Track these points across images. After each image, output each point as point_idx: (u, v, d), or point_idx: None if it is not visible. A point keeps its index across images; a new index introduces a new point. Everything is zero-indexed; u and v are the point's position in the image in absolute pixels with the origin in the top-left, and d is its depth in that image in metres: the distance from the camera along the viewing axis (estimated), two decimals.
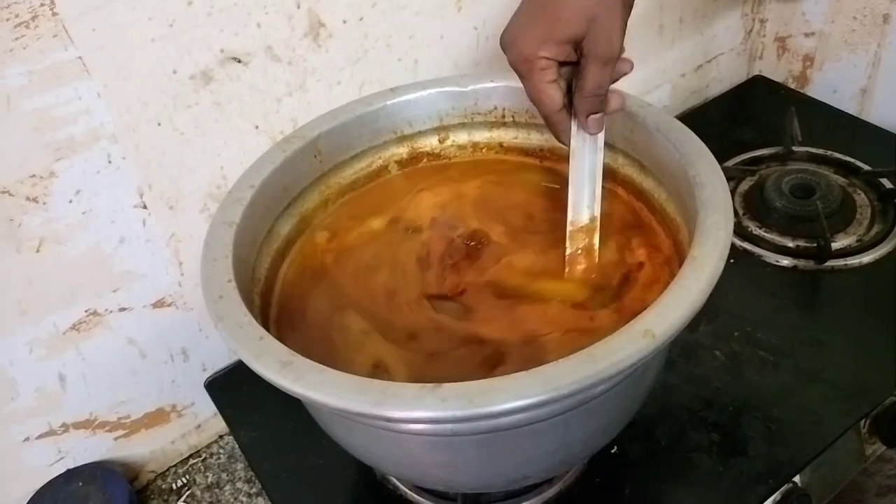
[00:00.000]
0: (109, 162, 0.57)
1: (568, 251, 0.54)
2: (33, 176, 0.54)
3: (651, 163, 0.56)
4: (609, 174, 0.59)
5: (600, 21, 0.45)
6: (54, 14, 0.50)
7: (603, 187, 0.54)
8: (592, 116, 0.49)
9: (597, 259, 0.54)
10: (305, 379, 0.41)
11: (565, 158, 0.60)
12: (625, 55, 0.49)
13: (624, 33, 0.47)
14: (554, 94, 0.48)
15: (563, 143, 0.52)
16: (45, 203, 0.55)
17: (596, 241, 0.54)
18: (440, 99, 0.61)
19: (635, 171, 0.58)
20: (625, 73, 0.50)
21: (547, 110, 0.49)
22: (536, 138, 0.62)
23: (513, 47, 0.48)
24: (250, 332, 0.44)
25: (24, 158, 0.53)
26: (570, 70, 0.49)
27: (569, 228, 0.54)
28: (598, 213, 0.54)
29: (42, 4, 0.49)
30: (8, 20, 0.48)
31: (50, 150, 0.54)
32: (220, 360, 0.72)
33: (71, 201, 0.57)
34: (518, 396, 0.38)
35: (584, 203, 0.54)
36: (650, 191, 0.57)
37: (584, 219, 0.54)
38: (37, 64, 0.51)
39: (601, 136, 0.52)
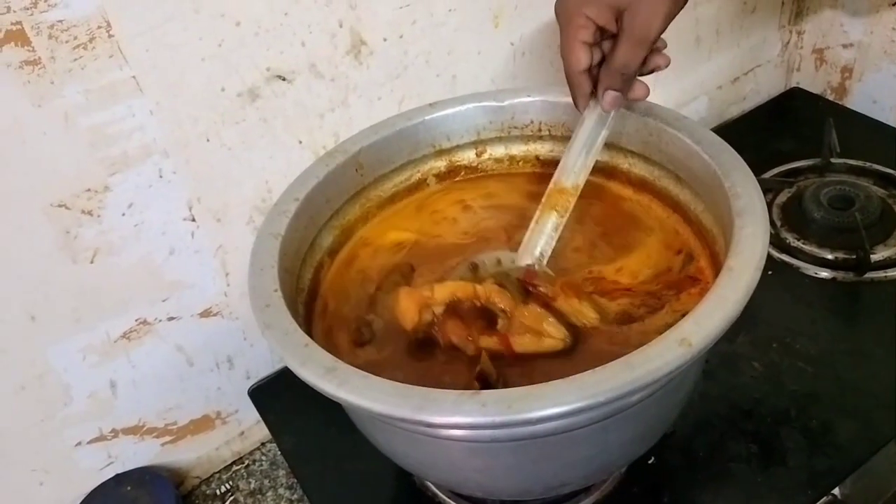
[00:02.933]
0: (161, 176, 0.59)
1: (538, 213, 0.56)
2: (88, 190, 0.57)
3: (687, 175, 0.56)
4: (646, 187, 0.61)
5: (644, 0, 0.47)
6: (110, 36, 0.52)
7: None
8: (611, 92, 0.51)
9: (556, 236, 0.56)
10: (349, 384, 0.42)
11: (602, 171, 0.62)
12: (665, 51, 0.50)
13: (665, 22, 0.48)
14: (581, 55, 0.50)
15: (577, 107, 0.54)
16: (99, 216, 0.58)
17: (569, 207, 0.56)
18: (478, 113, 0.63)
19: (671, 184, 0.58)
20: (658, 67, 0.52)
21: (571, 68, 0.51)
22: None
23: (565, 4, 0.50)
24: (296, 339, 0.45)
25: (80, 173, 0.56)
26: (608, 45, 0.50)
27: (550, 187, 0.56)
28: (581, 182, 0.56)
29: (99, 27, 0.52)
30: (67, 42, 0.51)
31: (105, 165, 0.56)
32: (263, 369, 0.74)
33: (124, 214, 0.59)
34: (556, 403, 0.39)
35: (573, 169, 0.56)
36: (686, 203, 0.57)
37: (568, 184, 0.56)
38: (93, 83, 0.53)
39: (612, 115, 0.54)
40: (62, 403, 0.63)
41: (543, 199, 0.57)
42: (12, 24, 0.48)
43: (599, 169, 0.61)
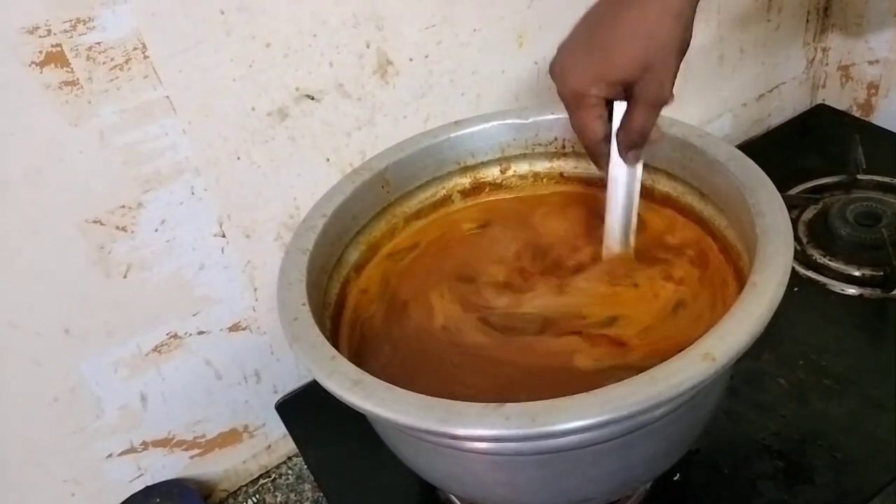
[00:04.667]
0: (192, 193, 0.61)
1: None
2: (123, 206, 0.58)
3: (711, 191, 0.56)
4: (670, 202, 0.61)
5: (655, 69, 0.47)
6: (146, 57, 0.54)
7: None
8: (633, 151, 0.51)
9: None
10: (375, 396, 0.43)
11: None
12: (685, 83, 0.50)
13: (674, 80, 0.48)
14: (598, 129, 0.50)
15: (602, 171, 0.54)
16: (132, 232, 0.59)
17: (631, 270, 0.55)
18: (502, 131, 0.64)
19: (696, 200, 0.59)
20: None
21: (589, 142, 0.51)
22: (596, 169, 0.64)
23: (565, 80, 0.49)
24: (323, 352, 0.46)
25: (115, 190, 0.57)
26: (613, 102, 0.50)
27: (604, 254, 0.56)
28: (632, 242, 0.56)
29: (135, 49, 0.53)
30: (104, 63, 0.53)
31: (138, 182, 0.58)
32: (290, 383, 0.75)
33: (156, 230, 0.60)
34: (580, 416, 0.39)
35: (619, 233, 0.55)
36: (710, 218, 0.57)
37: (618, 249, 0.56)
38: (128, 103, 0.55)
39: (640, 167, 0.53)
40: (94, 416, 0.65)
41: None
42: (52, 46, 0.50)
43: None
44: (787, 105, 0.99)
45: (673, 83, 0.48)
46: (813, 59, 0.98)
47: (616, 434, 0.43)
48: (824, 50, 0.98)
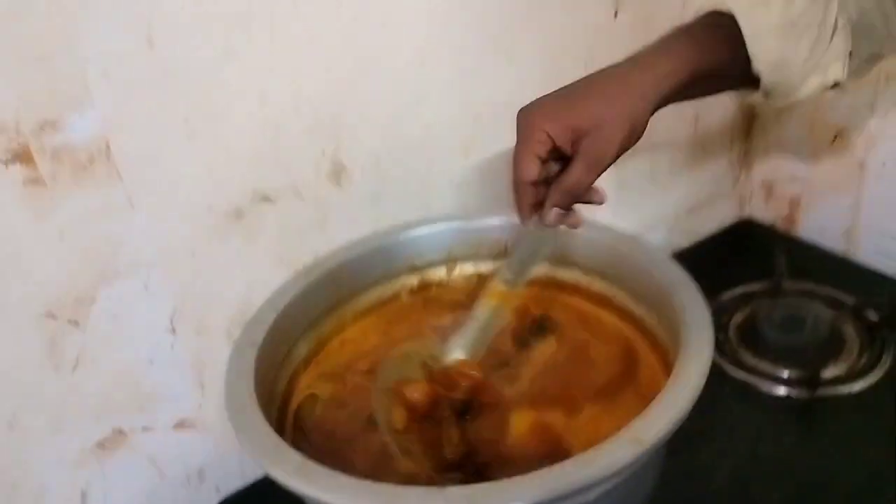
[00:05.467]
0: (146, 288, 0.62)
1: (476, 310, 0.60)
2: (76, 300, 0.59)
3: (642, 292, 0.61)
4: (605, 302, 0.65)
5: (605, 128, 0.51)
6: (109, 158, 0.57)
7: None
8: (556, 209, 0.54)
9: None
10: (318, 483, 0.44)
11: (567, 289, 0.66)
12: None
13: (619, 151, 0.52)
14: (533, 167, 0.52)
15: (520, 218, 0.55)
16: (84, 325, 0.60)
17: (506, 308, 0.60)
18: (448, 233, 0.68)
19: (629, 300, 0.63)
20: (593, 201, 0.55)
21: (520, 177, 0.53)
22: (538, 270, 0.68)
23: (523, 114, 0.53)
24: (268, 441, 0.48)
25: (71, 283, 0.59)
26: (556, 169, 0.54)
27: (493, 282, 0.60)
28: (519, 288, 0.60)
29: (99, 150, 0.56)
30: (70, 163, 0.55)
31: (94, 276, 0.59)
32: (234, 482, 0.74)
33: (108, 324, 0.62)
34: (517, 498, 0.41)
35: (514, 273, 0.59)
36: (642, 317, 0.61)
37: (505, 284, 0.59)
38: (90, 200, 0.57)
39: (553, 236, 0.57)
40: None
41: (483, 298, 0.60)
42: (20, 145, 0.53)
43: (557, 286, 0.66)
44: (718, 218, 1.06)
45: (617, 153, 0.52)
46: (739, 177, 1.06)
47: None
48: (749, 168, 1.06)
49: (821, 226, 1.00)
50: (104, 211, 0.58)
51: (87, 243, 0.58)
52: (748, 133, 1.03)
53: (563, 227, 0.55)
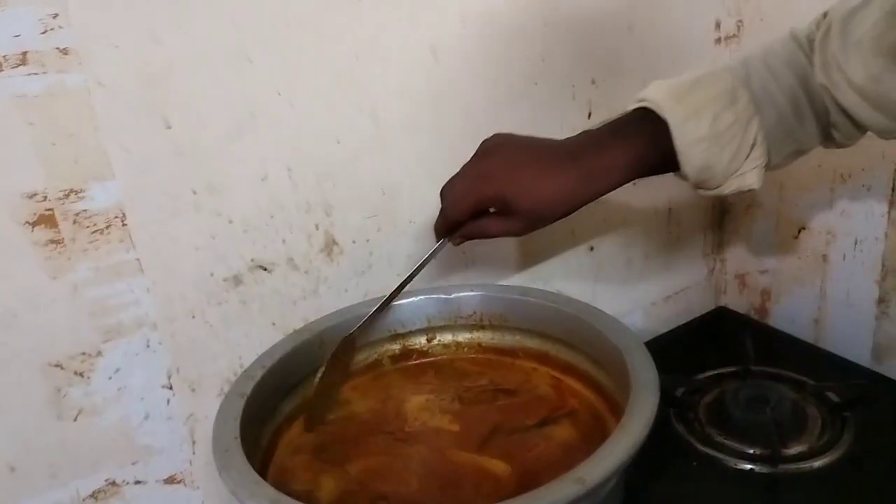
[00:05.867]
0: (148, 346, 0.68)
1: None
2: (83, 353, 0.65)
3: (601, 358, 0.66)
4: (570, 370, 0.70)
5: (536, 221, 0.64)
6: (124, 224, 0.64)
7: None
8: (462, 239, 0.69)
9: None
10: None
11: (535, 357, 0.72)
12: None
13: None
14: (465, 215, 0.66)
15: (436, 234, 0.70)
16: (88, 378, 0.66)
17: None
18: (428, 304, 0.74)
19: (591, 367, 0.68)
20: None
21: (449, 215, 0.67)
22: (510, 339, 0.73)
23: (482, 182, 0.64)
24: (248, 478, 0.52)
25: (79, 338, 0.64)
26: None
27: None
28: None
29: (116, 217, 0.63)
30: (88, 227, 0.62)
31: (100, 332, 0.65)
32: None
33: (110, 378, 0.67)
34: None
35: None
36: (603, 383, 0.66)
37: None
38: (103, 262, 0.64)
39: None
40: None
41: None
42: (46, 209, 0.60)
43: (533, 355, 0.71)
44: (693, 307, 1.12)
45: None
46: (713, 269, 1.12)
47: None
48: (722, 260, 1.12)
49: (790, 316, 1.05)
50: (115, 272, 0.64)
51: (97, 301, 0.64)
52: (720, 226, 1.10)
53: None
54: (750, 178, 0.64)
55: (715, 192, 0.65)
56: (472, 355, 0.74)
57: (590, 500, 0.50)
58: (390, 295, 0.71)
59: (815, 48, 0.63)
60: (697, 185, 0.65)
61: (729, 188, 0.64)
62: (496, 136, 0.67)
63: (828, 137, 0.67)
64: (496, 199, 0.63)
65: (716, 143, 0.61)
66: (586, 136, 0.65)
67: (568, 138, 0.65)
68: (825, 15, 0.64)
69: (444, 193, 0.66)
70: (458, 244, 0.69)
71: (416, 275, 0.70)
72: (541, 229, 0.65)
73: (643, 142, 0.63)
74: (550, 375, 0.71)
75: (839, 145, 0.68)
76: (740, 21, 0.98)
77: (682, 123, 0.61)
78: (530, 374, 0.71)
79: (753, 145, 0.63)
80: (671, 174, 0.66)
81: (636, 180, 0.65)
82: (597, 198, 0.63)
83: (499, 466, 0.60)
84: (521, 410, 0.67)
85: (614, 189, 0.63)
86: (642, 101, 0.64)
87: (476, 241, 0.69)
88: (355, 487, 0.60)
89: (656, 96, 0.63)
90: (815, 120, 0.65)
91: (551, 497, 0.46)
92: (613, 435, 0.51)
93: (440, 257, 0.82)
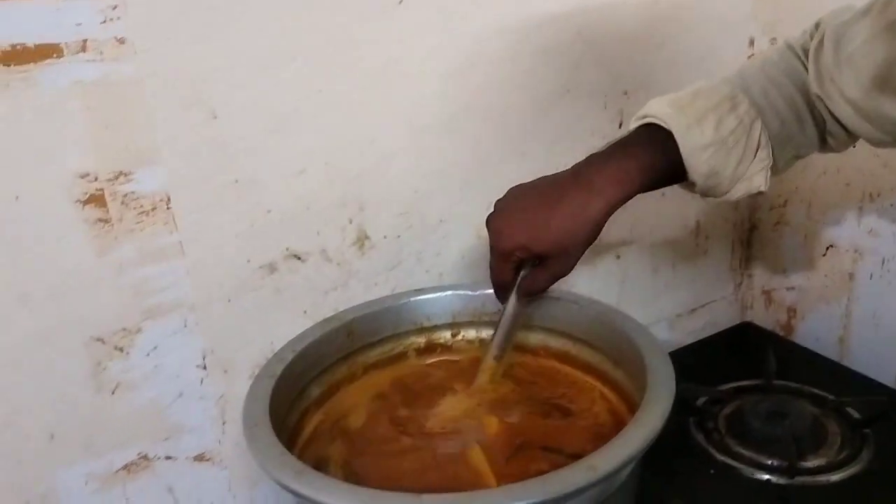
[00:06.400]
0: (185, 326, 0.71)
1: (476, 380, 0.71)
2: (124, 329, 0.68)
3: (620, 358, 0.67)
4: (591, 370, 0.72)
5: (568, 254, 0.64)
6: (168, 208, 0.67)
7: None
8: (527, 298, 0.68)
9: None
10: (314, 485, 0.50)
11: (556, 356, 0.73)
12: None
13: (574, 265, 0.65)
14: (508, 276, 0.67)
15: (500, 302, 0.69)
16: (127, 353, 0.69)
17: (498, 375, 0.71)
18: (454, 300, 0.76)
19: (610, 367, 0.69)
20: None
21: (498, 283, 0.68)
22: (532, 338, 0.75)
23: (498, 237, 0.65)
24: (274, 451, 0.54)
25: (121, 315, 0.68)
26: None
27: (482, 364, 0.71)
28: (503, 357, 0.71)
29: (161, 200, 0.67)
30: (135, 209, 0.65)
31: (141, 310, 0.68)
32: None
33: (148, 355, 0.70)
34: None
35: (497, 349, 0.71)
36: (622, 383, 0.68)
37: (491, 360, 0.71)
38: (147, 243, 0.67)
39: (525, 306, 0.70)
40: None
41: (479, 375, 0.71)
42: (97, 189, 0.63)
43: (555, 354, 0.73)
44: (718, 320, 1.12)
45: (575, 264, 0.64)
46: (740, 284, 1.13)
47: None
48: (749, 275, 1.12)
49: (815, 333, 1.05)
50: (158, 254, 0.68)
51: (140, 280, 0.67)
52: (748, 242, 1.11)
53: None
54: (757, 180, 0.65)
55: (723, 199, 0.67)
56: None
57: (601, 490, 0.52)
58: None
59: (810, 59, 0.65)
60: (705, 193, 0.67)
61: (737, 193, 0.66)
62: (508, 191, 0.69)
63: (824, 143, 0.70)
64: (520, 250, 0.65)
65: (721, 149, 0.63)
66: (593, 155, 0.66)
67: (576, 163, 0.67)
68: (817, 25, 0.66)
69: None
70: (527, 304, 0.70)
71: (505, 333, 0.71)
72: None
73: (650, 151, 0.64)
74: (571, 374, 0.72)
75: (834, 150, 0.71)
76: (774, 39, 0.99)
77: (686, 131, 0.63)
78: (592, 394, 0.72)
79: (758, 147, 0.65)
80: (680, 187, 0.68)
81: (663, 190, 0.67)
82: (612, 211, 0.63)
83: None
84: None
85: (625, 200, 0.64)
86: (644, 117, 0.66)
87: None
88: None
89: (657, 110, 0.65)
90: (814, 126, 0.67)
91: (562, 482, 0.48)
92: (628, 426, 0.53)
93: (467, 255, 0.84)
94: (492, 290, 0.73)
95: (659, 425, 0.53)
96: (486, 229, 0.67)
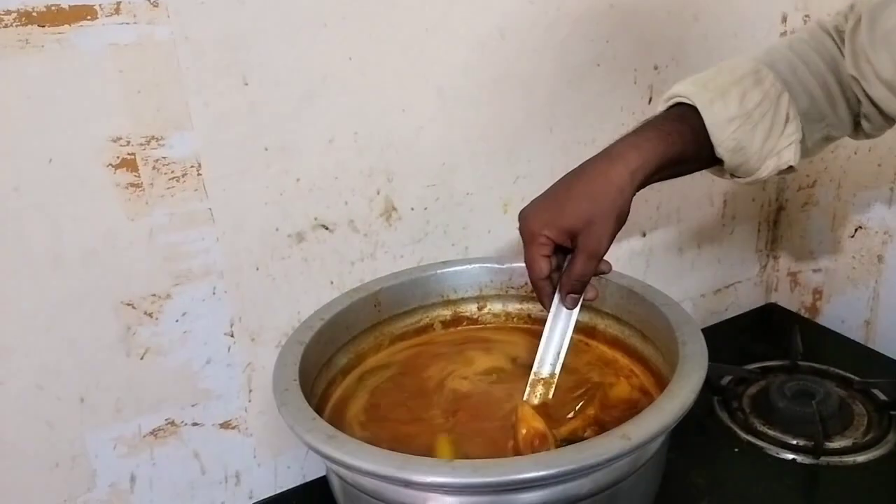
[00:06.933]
0: (214, 293, 0.71)
1: (525, 395, 0.64)
2: (154, 295, 0.68)
3: (650, 332, 0.67)
4: (618, 344, 0.71)
5: (595, 225, 0.60)
6: (199, 174, 0.67)
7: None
8: (571, 295, 0.62)
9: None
10: (345, 448, 0.51)
11: (583, 331, 0.73)
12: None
13: (611, 239, 0.61)
14: (543, 266, 0.61)
15: (544, 307, 0.64)
16: (157, 319, 0.69)
17: (550, 393, 0.64)
18: (481, 272, 0.75)
19: (638, 341, 0.69)
20: (604, 273, 0.64)
21: (534, 276, 0.62)
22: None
23: (524, 221, 0.63)
24: (306, 415, 0.55)
25: (151, 280, 0.68)
26: (564, 257, 0.63)
27: (531, 377, 0.65)
28: (558, 371, 0.64)
29: (192, 166, 0.66)
30: (165, 174, 0.65)
31: (171, 276, 0.69)
32: (265, 490, 0.80)
33: (177, 321, 0.70)
34: (515, 472, 0.47)
35: (549, 360, 0.64)
36: (650, 357, 0.67)
37: (545, 373, 0.64)
38: (178, 209, 0.67)
39: (575, 312, 0.64)
40: (86, 488, 0.71)
41: (527, 387, 0.64)
42: (128, 154, 0.63)
43: (581, 329, 0.72)
44: (743, 302, 1.11)
45: (609, 241, 0.61)
46: (766, 265, 1.12)
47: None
48: (775, 257, 1.11)
49: (841, 315, 1.04)
50: (189, 219, 0.68)
51: (171, 246, 0.68)
52: (775, 223, 1.10)
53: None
54: (787, 154, 0.64)
55: (753, 179, 0.66)
56: (521, 325, 0.76)
57: (633, 460, 0.52)
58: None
59: (845, 39, 0.64)
60: (734, 173, 0.66)
61: (766, 170, 0.65)
62: None
63: (857, 127, 0.68)
64: (547, 228, 0.61)
65: (746, 122, 0.62)
66: (618, 140, 0.65)
67: None
68: (852, 7, 0.65)
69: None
70: (575, 304, 0.63)
71: (557, 357, 0.65)
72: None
73: (675, 123, 0.63)
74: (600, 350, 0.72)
75: (868, 136, 0.69)
76: (807, 16, 0.97)
77: (710, 105, 0.62)
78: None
79: (787, 121, 0.64)
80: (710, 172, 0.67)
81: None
82: (635, 176, 0.61)
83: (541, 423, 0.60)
84: None
85: (647, 167, 0.61)
86: (671, 98, 0.65)
87: None
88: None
89: (681, 89, 0.65)
90: (846, 107, 0.66)
91: (596, 450, 0.48)
92: (660, 397, 0.53)
93: (494, 229, 0.84)
94: (519, 264, 0.73)
95: (692, 397, 0.53)
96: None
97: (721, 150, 0.64)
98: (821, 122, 0.66)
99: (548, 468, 0.47)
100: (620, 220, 0.61)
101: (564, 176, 0.64)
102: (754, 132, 0.63)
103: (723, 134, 0.63)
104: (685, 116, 0.64)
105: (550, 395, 0.64)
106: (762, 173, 0.66)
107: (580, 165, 0.63)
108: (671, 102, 0.66)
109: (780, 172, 0.66)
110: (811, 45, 0.67)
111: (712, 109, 0.63)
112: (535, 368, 0.65)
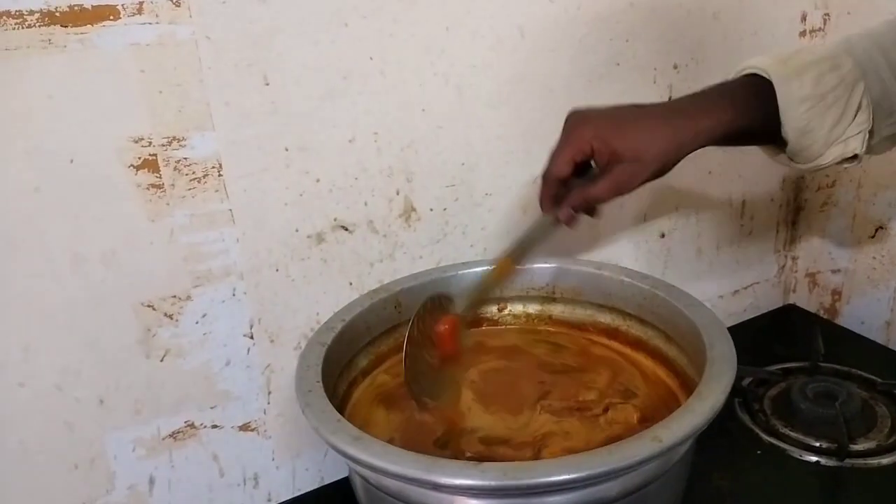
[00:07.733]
0: (233, 294, 0.71)
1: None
2: (174, 296, 0.68)
3: (674, 333, 0.66)
4: (640, 345, 0.70)
5: (640, 163, 0.60)
6: (220, 175, 0.67)
7: None
8: (570, 211, 0.62)
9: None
10: (371, 450, 0.50)
11: (605, 332, 0.72)
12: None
13: (642, 184, 0.61)
14: (566, 168, 0.61)
15: (542, 208, 0.64)
16: (177, 320, 0.69)
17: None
18: None
19: (662, 342, 0.68)
20: (595, 216, 0.65)
21: (552, 174, 0.62)
22: (581, 313, 0.74)
23: (578, 122, 0.62)
24: (330, 416, 0.54)
25: (171, 281, 0.67)
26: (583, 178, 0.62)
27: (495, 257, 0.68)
28: (520, 262, 0.67)
29: (213, 167, 0.66)
30: (186, 175, 0.65)
31: (192, 277, 0.68)
32: (284, 492, 0.80)
33: (197, 322, 0.70)
34: (545, 475, 0.47)
35: (515, 250, 0.67)
36: (674, 358, 0.67)
37: (505, 256, 0.67)
38: (199, 209, 0.67)
39: (556, 227, 0.65)
40: (104, 490, 0.70)
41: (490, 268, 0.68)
42: (150, 154, 0.63)
43: (604, 330, 0.72)
44: (761, 303, 1.10)
45: (640, 185, 0.61)
46: (784, 266, 1.11)
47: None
48: (794, 258, 1.11)
49: (861, 317, 1.03)
50: (209, 220, 0.67)
51: (191, 246, 0.67)
52: (794, 223, 1.09)
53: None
54: (853, 142, 0.63)
55: (813, 165, 0.64)
56: (542, 327, 0.75)
57: (663, 462, 0.51)
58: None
59: None
60: (795, 156, 0.65)
61: (829, 157, 0.63)
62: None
63: None
64: (596, 140, 0.60)
65: (819, 104, 0.61)
66: (686, 96, 0.64)
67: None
68: None
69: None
70: (570, 222, 0.64)
71: (522, 252, 0.67)
72: (613, 210, 0.64)
73: (748, 95, 0.62)
74: (622, 351, 0.71)
75: None
76: (827, 15, 0.96)
77: (786, 81, 0.61)
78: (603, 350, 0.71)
79: (859, 109, 0.62)
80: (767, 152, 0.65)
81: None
82: (698, 138, 0.61)
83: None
84: None
85: (713, 134, 0.61)
86: (745, 68, 0.64)
87: None
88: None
89: (758, 62, 0.63)
90: None
91: (627, 452, 0.47)
92: (690, 399, 0.52)
93: (513, 230, 0.83)
94: (538, 265, 0.73)
95: (722, 399, 0.52)
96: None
97: (788, 129, 0.62)
98: (890, 118, 0.65)
99: (578, 471, 0.46)
100: (662, 170, 0.61)
101: (630, 104, 0.64)
102: (825, 116, 0.62)
103: (794, 112, 0.62)
104: (758, 89, 0.63)
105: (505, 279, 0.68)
106: (825, 160, 0.64)
107: (649, 104, 0.63)
108: (746, 72, 0.65)
109: (844, 161, 0.65)
110: (889, 36, 0.65)
111: (788, 86, 0.61)
112: (503, 250, 0.67)
